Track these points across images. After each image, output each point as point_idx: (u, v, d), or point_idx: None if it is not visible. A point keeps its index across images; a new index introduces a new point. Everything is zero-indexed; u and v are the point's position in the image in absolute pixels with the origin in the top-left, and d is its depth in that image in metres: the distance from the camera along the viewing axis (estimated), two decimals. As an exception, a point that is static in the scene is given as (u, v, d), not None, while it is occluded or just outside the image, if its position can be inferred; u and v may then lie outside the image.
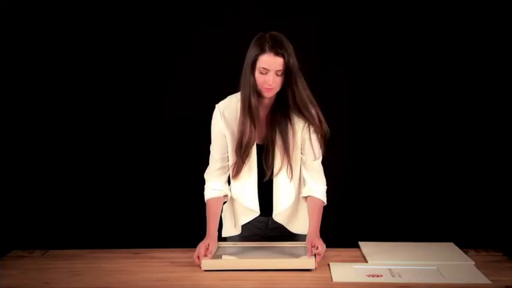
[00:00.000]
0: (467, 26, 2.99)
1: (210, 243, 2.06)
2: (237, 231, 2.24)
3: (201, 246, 2.04)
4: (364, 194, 3.11)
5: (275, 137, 2.10)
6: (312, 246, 2.00)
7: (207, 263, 1.96)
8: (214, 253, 2.09)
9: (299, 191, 2.20)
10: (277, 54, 1.96)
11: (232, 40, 2.99)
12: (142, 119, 3.12)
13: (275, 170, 2.12)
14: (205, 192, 2.20)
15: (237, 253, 2.14)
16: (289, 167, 2.12)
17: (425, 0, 3.00)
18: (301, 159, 2.16)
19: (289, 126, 2.09)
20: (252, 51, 2.00)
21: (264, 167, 2.12)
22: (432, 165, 3.08)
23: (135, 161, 3.13)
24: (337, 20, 3.04)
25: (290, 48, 1.99)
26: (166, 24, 3.06)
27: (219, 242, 2.20)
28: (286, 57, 1.96)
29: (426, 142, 3.08)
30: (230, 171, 2.15)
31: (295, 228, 2.23)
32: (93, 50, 3.06)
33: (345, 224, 2.98)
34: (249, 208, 2.17)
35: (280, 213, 2.18)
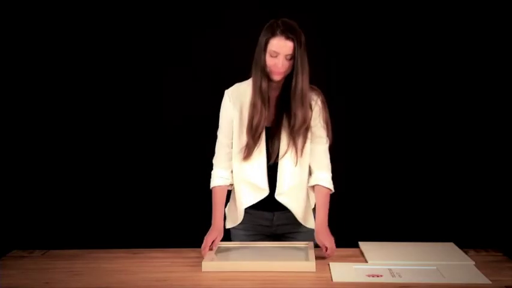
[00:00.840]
0: (467, 26, 2.99)
1: (217, 236, 2.13)
2: (239, 216, 2.24)
3: (208, 238, 2.10)
4: (364, 194, 3.11)
5: (282, 120, 2.16)
6: (322, 246, 2.06)
7: (207, 265, 1.96)
8: (216, 253, 2.09)
9: (305, 177, 2.22)
10: (287, 38, 2.02)
11: (232, 40, 3.00)
12: (142, 119, 3.12)
13: (281, 152, 2.16)
14: (211, 180, 2.25)
15: (238, 254, 2.14)
16: (294, 149, 2.15)
17: (425, 0, 3.00)
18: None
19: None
20: (263, 35, 2.07)
21: (270, 149, 2.16)
22: (432, 165, 3.08)
23: (134, 161, 3.13)
24: (336, 21, 3.03)
25: (301, 34, 2.05)
26: (167, 24, 3.05)
27: (220, 242, 2.21)
28: (296, 42, 2.02)
29: (426, 142, 3.08)
30: (241, 154, 2.17)
31: (297, 211, 2.23)
32: (93, 50, 3.06)
33: (345, 224, 2.98)
34: (258, 187, 2.18)
35: (282, 193, 2.20)
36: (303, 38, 2.05)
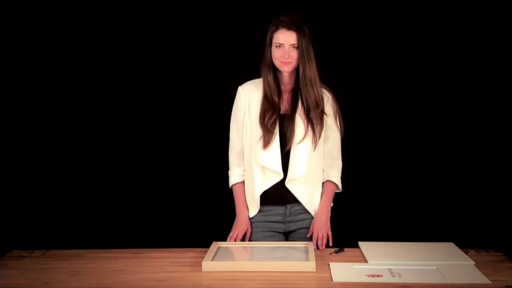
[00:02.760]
0: (467, 26, 2.99)
1: (247, 227, 2.28)
2: (256, 206, 2.29)
3: (240, 231, 2.26)
4: (364, 194, 3.11)
5: (297, 108, 2.25)
6: (317, 238, 2.18)
7: (207, 265, 1.96)
8: (216, 253, 2.09)
9: (320, 171, 2.32)
10: (289, 28, 2.18)
11: (230, 41, 2.99)
12: (141, 120, 3.11)
13: (297, 139, 2.23)
14: (230, 178, 2.36)
15: (238, 254, 2.14)
16: (312, 135, 2.23)
17: (425, 0, 3.00)
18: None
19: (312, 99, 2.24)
20: (269, 32, 2.23)
21: (286, 135, 2.23)
22: (432, 165, 3.08)
23: (134, 161, 3.12)
24: (335, 22, 3.03)
25: (303, 26, 2.19)
26: (173, 23, 3.05)
27: (220, 242, 2.21)
28: (298, 31, 2.17)
29: (426, 142, 3.08)
30: (260, 143, 2.23)
31: (307, 203, 2.29)
32: (94, 50, 3.05)
33: (345, 224, 2.98)
34: (273, 171, 2.24)
35: (293, 180, 2.25)
36: (306, 29, 2.19)
